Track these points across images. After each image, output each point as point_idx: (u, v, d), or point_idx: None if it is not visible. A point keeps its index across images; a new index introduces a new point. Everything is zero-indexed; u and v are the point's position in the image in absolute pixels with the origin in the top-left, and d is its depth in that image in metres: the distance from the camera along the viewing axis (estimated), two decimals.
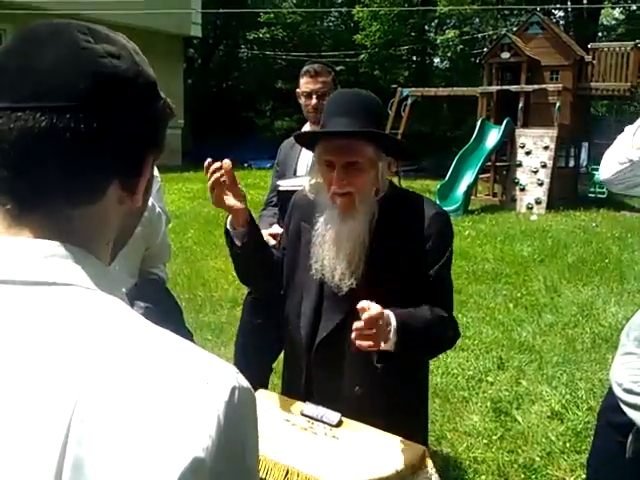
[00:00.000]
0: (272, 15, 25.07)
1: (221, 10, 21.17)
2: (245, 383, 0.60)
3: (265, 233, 2.72)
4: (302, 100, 2.88)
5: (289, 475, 1.57)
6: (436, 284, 1.76)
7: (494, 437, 3.55)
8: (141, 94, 0.69)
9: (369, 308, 1.48)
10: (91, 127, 0.63)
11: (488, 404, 3.94)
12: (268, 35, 25.63)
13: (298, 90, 2.90)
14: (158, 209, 2.28)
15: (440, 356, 4.68)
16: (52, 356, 0.57)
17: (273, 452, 1.60)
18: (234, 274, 6.87)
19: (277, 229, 2.70)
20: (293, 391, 1.93)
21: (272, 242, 2.66)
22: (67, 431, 0.54)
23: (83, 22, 0.69)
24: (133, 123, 0.67)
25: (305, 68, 2.86)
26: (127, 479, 0.53)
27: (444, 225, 1.80)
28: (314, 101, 2.80)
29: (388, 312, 1.57)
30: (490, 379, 4.33)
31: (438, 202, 12.63)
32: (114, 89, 0.65)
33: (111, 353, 0.58)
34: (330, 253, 1.75)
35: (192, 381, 0.57)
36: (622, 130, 1.60)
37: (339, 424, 1.75)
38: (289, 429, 1.73)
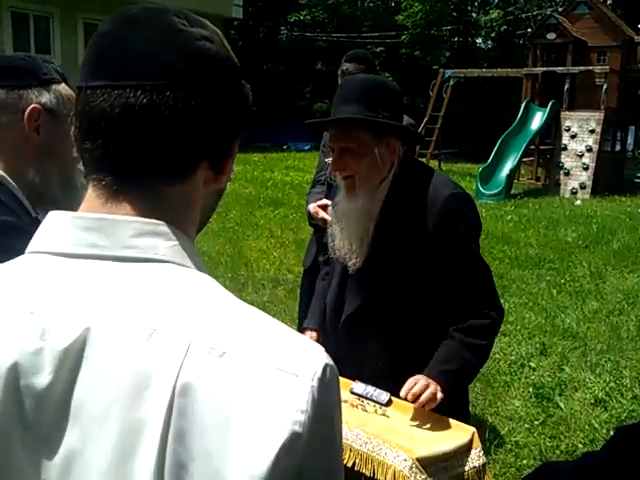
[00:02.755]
0: None
1: None
2: (332, 361, 0.62)
3: (314, 206, 2.79)
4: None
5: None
6: (466, 270, 1.76)
7: (536, 422, 3.55)
8: (231, 77, 0.71)
9: (412, 390, 1.68)
10: (189, 105, 0.65)
11: (530, 389, 3.93)
12: (309, 17, 25.47)
13: (339, 71, 2.96)
14: None
15: None
16: (148, 331, 0.59)
17: None
18: (275, 254, 6.90)
19: (325, 201, 2.77)
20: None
21: (321, 214, 2.73)
22: (170, 402, 0.56)
23: (175, 7, 0.71)
24: (225, 104, 0.69)
25: (341, 68, 2.90)
26: (229, 452, 0.55)
27: (459, 206, 1.77)
28: None
29: (425, 378, 1.71)
30: (532, 365, 4.31)
31: (480, 186, 12.52)
32: (209, 70, 0.67)
33: (212, 330, 0.59)
34: (339, 232, 1.85)
35: (288, 358, 0.59)
36: None
37: (389, 403, 1.77)
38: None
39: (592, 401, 3.81)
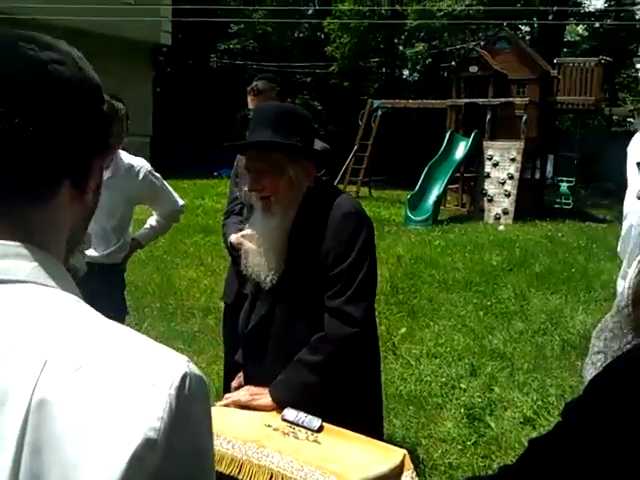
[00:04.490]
0: (242, 26, 25.07)
1: (191, 19, 21.14)
2: (197, 371, 0.63)
3: (237, 236, 2.74)
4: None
5: (273, 478, 1.56)
6: (338, 279, 1.85)
7: (468, 443, 3.58)
8: (86, 98, 0.71)
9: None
10: (39, 129, 0.65)
11: (462, 410, 3.98)
12: (239, 46, 25.63)
13: (249, 88, 3.04)
14: None
15: (413, 363, 4.73)
16: (5, 349, 0.60)
17: (257, 456, 1.59)
18: (206, 283, 6.77)
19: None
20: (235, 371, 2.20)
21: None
22: (25, 417, 0.57)
23: (25, 31, 0.71)
24: (79, 125, 0.69)
25: (250, 86, 2.98)
26: (82, 459, 0.56)
27: (351, 224, 1.87)
28: None
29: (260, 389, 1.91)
30: (463, 386, 4.37)
31: (408, 212, 12.80)
32: (60, 94, 0.68)
33: (69, 346, 0.60)
34: (253, 251, 1.97)
35: (145, 369, 0.60)
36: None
37: (320, 429, 1.75)
38: (271, 433, 1.73)
39: (521, 420, 3.89)
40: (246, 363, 2.06)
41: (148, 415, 0.58)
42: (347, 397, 1.90)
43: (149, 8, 17.10)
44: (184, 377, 0.61)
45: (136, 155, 3.29)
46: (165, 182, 3.38)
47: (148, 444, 0.57)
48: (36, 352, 0.60)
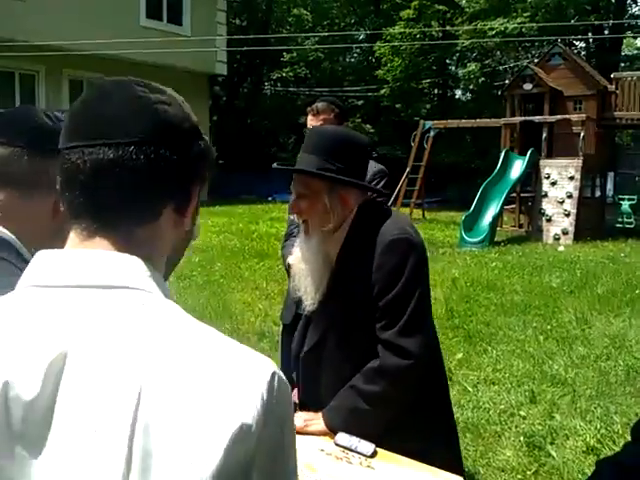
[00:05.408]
0: (295, 54, 25.48)
1: (245, 48, 21.64)
2: (281, 373, 0.73)
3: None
4: None
5: None
6: (386, 310, 1.82)
7: (528, 472, 3.47)
8: (187, 134, 0.83)
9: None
10: (148, 158, 0.77)
11: (521, 439, 3.86)
12: (291, 74, 26.06)
13: (308, 108, 3.14)
14: None
15: (470, 390, 4.63)
16: (122, 347, 0.70)
17: None
18: (260, 307, 6.83)
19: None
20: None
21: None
22: (137, 402, 0.66)
23: (140, 79, 0.85)
24: (180, 157, 0.81)
25: (311, 106, 3.08)
26: (187, 440, 0.65)
27: (397, 252, 1.82)
28: None
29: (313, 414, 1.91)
30: (522, 413, 4.25)
31: (464, 233, 12.63)
32: (165, 129, 0.80)
33: (172, 344, 0.70)
34: (299, 271, 1.98)
35: (240, 366, 0.71)
36: None
37: (373, 454, 1.73)
38: (324, 458, 1.72)
39: (584, 449, 3.74)
40: (302, 384, 2.07)
41: (245, 404, 0.67)
42: (414, 428, 1.86)
43: (205, 39, 17.60)
44: (273, 375, 0.71)
45: None
46: None
47: (245, 429, 0.66)
48: (144, 352, 0.69)
